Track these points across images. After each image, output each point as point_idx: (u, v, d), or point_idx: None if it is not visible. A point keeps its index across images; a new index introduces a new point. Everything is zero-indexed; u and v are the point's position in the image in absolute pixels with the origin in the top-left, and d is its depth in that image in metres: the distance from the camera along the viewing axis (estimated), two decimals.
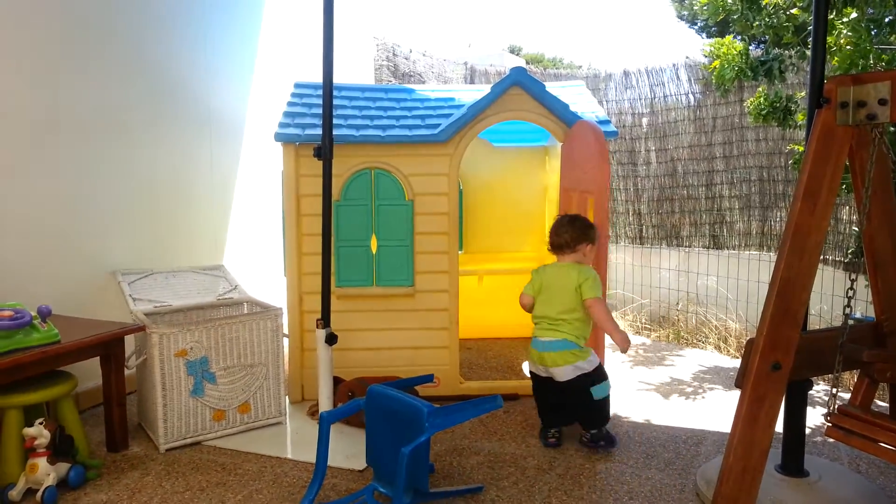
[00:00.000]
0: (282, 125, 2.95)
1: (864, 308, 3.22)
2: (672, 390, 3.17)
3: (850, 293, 1.80)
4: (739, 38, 3.99)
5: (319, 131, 2.66)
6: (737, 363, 3.59)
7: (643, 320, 4.47)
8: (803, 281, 1.85)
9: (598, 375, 2.41)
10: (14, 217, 2.62)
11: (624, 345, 2.33)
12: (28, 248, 2.68)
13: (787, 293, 1.82)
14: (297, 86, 3.36)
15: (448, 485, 2.17)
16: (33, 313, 2.23)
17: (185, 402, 2.44)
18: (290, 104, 3.16)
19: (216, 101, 3.75)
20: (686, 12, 10.52)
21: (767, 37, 3.89)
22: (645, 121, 5.31)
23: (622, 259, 5.04)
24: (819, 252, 1.89)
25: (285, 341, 2.81)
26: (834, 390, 1.78)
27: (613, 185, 5.40)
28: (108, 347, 2.40)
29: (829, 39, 3.18)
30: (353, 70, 5.35)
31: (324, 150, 2.62)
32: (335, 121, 2.95)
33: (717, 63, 3.85)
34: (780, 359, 1.82)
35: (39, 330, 2.22)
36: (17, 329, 2.15)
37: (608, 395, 2.43)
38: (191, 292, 2.94)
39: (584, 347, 2.42)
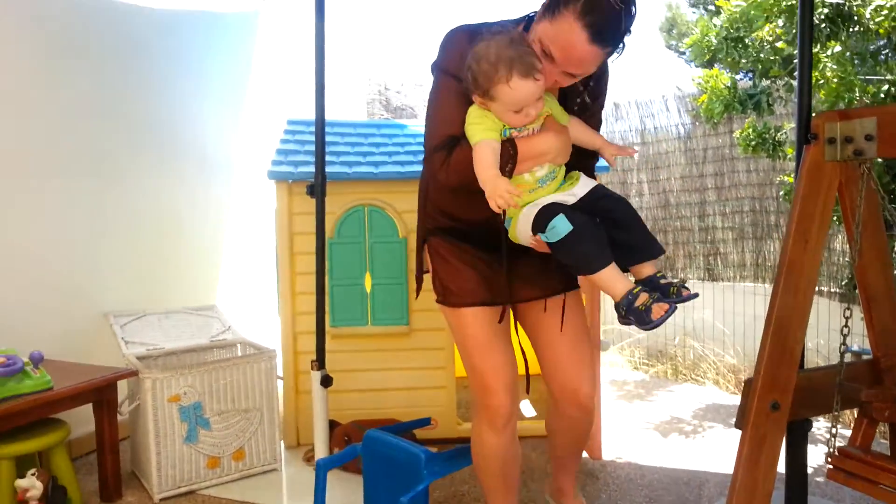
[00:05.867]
0: (275, 163, 2.96)
1: (860, 341, 3.22)
2: (672, 428, 3.14)
3: (846, 331, 1.80)
4: (727, 70, 4.05)
5: (312, 168, 2.66)
6: (735, 399, 3.57)
7: (640, 355, 4.46)
8: (799, 319, 1.85)
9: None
10: (4, 261, 2.61)
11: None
12: (19, 291, 2.66)
13: (783, 332, 1.82)
14: (290, 122, 3.38)
15: None
16: (25, 359, 2.21)
17: (178, 449, 2.40)
18: (283, 141, 3.17)
19: (209, 140, 3.77)
20: (674, 42, 10.69)
21: (754, 69, 3.95)
22: (636, 152, 5.35)
23: None
24: (813, 289, 1.89)
25: (279, 383, 2.79)
26: (833, 430, 1.77)
27: None
28: (101, 393, 2.37)
29: (815, 73, 3.22)
30: (344, 105, 5.39)
31: (317, 188, 2.62)
32: (328, 157, 2.96)
33: (704, 97, 3.89)
34: (779, 398, 1.81)
35: (32, 376, 2.19)
36: (8, 376, 2.13)
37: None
38: (183, 334, 2.92)
39: None
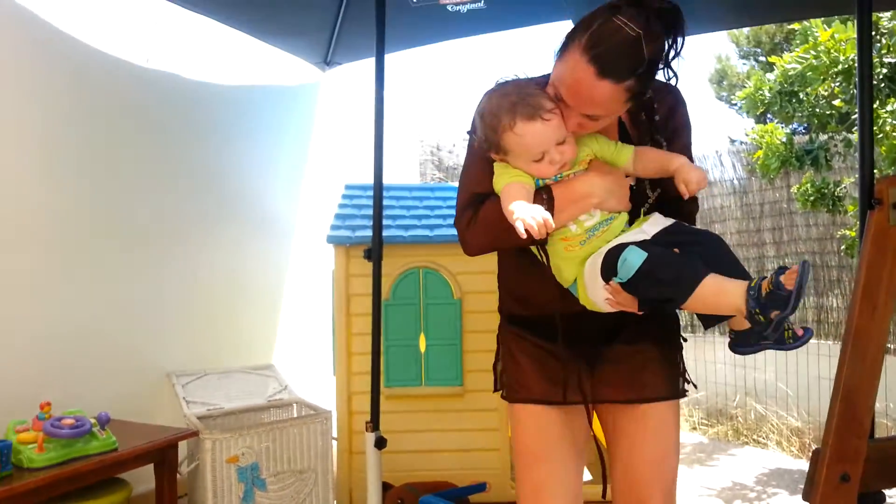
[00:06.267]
0: (333, 227, 3.04)
1: None
2: (735, 495, 3.03)
3: None
4: (783, 125, 4.01)
5: (369, 233, 2.74)
6: (800, 464, 3.42)
7: (699, 416, 4.32)
8: (867, 387, 1.79)
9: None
10: (71, 322, 2.73)
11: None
12: (85, 352, 2.77)
13: (852, 400, 1.76)
14: (348, 187, 3.47)
15: None
16: (93, 420, 2.29)
17: None
18: (341, 206, 3.26)
19: (269, 204, 3.90)
20: (725, 93, 10.64)
21: (810, 124, 3.90)
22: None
23: None
24: (882, 356, 1.83)
25: (334, 444, 2.80)
26: None
27: None
28: (163, 454, 2.42)
29: (874, 128, 3.17)
30: (397, 166, 5.51)
31: (374, 252, 2.69)
32: (384, 221, 3.03)
33: (760, 153, 3.85)
34: (849, 470, 1.74)
35: (98, 438, 2.26)
36: (77, 437, 2.20)
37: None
38: (242, 393, 2.98)
39: None
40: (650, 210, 1.41)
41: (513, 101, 1.30)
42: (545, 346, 1.49)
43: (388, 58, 2.59)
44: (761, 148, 3.88)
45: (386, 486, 2.70)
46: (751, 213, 5.01)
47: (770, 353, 4.13)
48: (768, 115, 4.10)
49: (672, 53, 1.33)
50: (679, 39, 1.31)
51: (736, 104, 10.41)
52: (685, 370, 1.55)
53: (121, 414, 2.65)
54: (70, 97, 2.76)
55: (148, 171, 3.10)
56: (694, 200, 1.48)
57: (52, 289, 2.68)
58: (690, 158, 1.44)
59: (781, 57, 3.75)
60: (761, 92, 3.80)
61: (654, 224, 1.35)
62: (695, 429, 4.25)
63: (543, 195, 1.34)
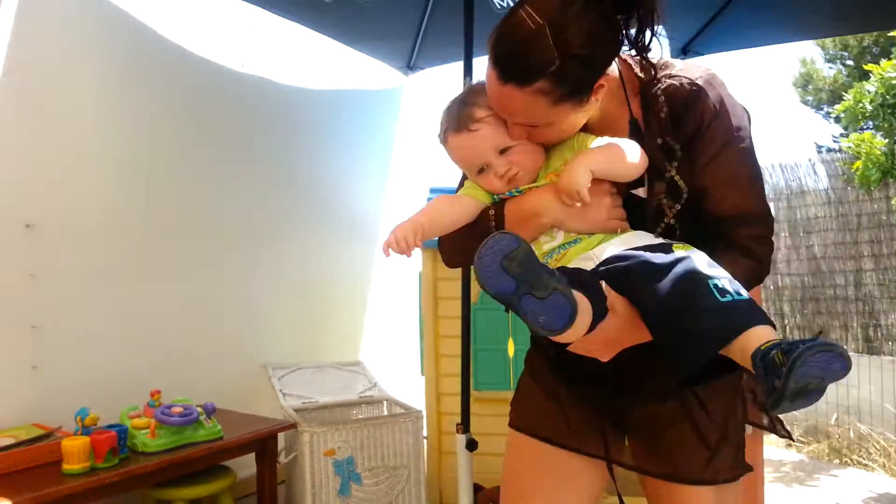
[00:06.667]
0: None
1: None
2: None
3: None
4: (881, 134, 3.84)
5: None
6: None
7: (797, 433, 4.16)
8: None
9: None
10: (179, 316, 2.89)
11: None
12: (191, 345, 2.92)
13: None
14: (432, 191, 3.50)
15: None
16: (199, 409, 2.40)
17: (332, 502, 2.50)
18: None
19: (358, 206, 4.01)
20: (810, 97, 10.23)
21: None
22: (782, 216, 5.14)
23: None
24: None
25: (424, 443, 2.85)
26: None
27: None
28: (264, 443, 2.52)
29: None
30: None
31: None
32: None
33: (859, 163, 3.70)
34: None
35: (205, 426, 2.37)
36: (186, 425, 2.31)
37: None
38: (334, 388, 3.06)
39: None
40: (666, 231, 1.14)
41: (449, 112, 1.20)
42: (576, 389, 1.27)
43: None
44: (859, 157, 3.73)
45: (477, 488, 2.72)
46: (847, 225, 4.80)
47: (867, 370, 3.93)
48: (864, 122, 3.93)
49: (643, 37, 1.11)
50: (646, 19, 1.08)
51: (822, 109, 10.01)
52: (742, 445, 1.19)
53: (219, 402, 2.77)
54: (169, 99, 2.90)
55: (246, 173, 3.24)
56: (744, 222, 1.10)
57: (159, 285, 2.83)
58: (737, 175, 1.11)
59: (879, 64, 3.60)
60: (862, 104, 3.66)
61: (611, 248, 1.07)
62: (790, 446, 4.10)
63: (491, 212, 1.19)
